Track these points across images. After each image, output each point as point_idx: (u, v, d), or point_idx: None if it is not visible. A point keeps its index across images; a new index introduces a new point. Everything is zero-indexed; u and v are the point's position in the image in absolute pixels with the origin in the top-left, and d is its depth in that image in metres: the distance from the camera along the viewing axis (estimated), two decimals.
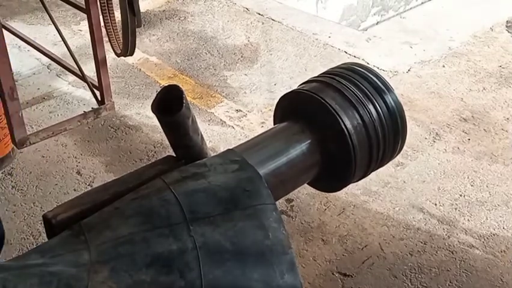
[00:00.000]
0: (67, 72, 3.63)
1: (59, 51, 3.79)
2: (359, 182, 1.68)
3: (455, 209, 2.78)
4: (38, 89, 3.71)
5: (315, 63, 4.00)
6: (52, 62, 3.75)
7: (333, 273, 2.46)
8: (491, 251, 2.56)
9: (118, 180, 1.31)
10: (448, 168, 3.04)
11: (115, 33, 3.25)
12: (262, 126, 3.33)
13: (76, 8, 3.31)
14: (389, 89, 1.59)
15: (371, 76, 1.60)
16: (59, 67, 3.70)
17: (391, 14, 6.85)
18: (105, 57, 3.31)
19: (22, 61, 3.97)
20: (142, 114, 3.45)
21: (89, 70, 3.54)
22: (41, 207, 2.78)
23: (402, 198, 2.84)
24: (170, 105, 1.26)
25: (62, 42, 3.28)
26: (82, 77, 3.39)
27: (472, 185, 2.93)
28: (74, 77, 3.60)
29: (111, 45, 3.33)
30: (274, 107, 1.68)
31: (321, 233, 2.64)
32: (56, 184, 2.93)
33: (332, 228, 2.67)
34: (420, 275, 2.44)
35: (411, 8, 6.97)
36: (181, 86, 1.29)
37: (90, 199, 1.25)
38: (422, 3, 7.03)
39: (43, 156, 3.12)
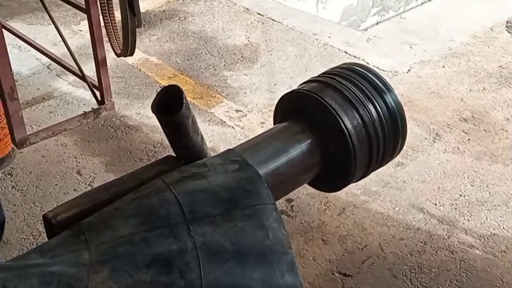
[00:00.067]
0: (67, 72, 3.63)
1: (59, 51, 3.79)
2: (359, 182, 1.68)
3: (455, 209, 2.78)
4: (38, 89, 3.71)
5: (315, 63, 4.00)
6: (52, 62, 3.75)
7: (333, 273, 2.46)
8: (491, 251, 2.56)
9: (118, 180, 1.31)
10: (447, 168, 3.04)
11: (115, 33, 3.25)
12: (262, 126, 3.33)
13: (76, 8, 3.31)
14: (389, 89, 1.59)
15: (371, 76, 1.59)
16: (59, 67, 3.70)
17: (391, 14, 6.85)
18: (105, 57, 3.31)
19: (22, 61, 3.97)
20: (142, 114, 3.46)
21: (89, 70, 3.54)
22: (41, 207, 2.78)
23: (402, 198, 2.84)
24: (170, 105, 1.26)
25: (62, 42, 3.28)
26: (82, 77, 3.39)
27: (472, 185, 2.93)
28: (74, 77, 3.60)
29: (111, 45, 3.33)
30: (274, 107, 1.68)
31: (321, 233, 2.64)
32: (56, 184, 2.93)
33: (332, 228, 2.67)
34: (420, 275, 2.44)
35: (411, 8, 6.97)
36: (181, 86, 1.29)
37: (90, 199, 1.25)
38: (422, 3, 7.03)
39: (43, 156, 3.12)
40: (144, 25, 4.39)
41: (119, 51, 3.30)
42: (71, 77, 3.71)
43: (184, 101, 1.25)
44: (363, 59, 4.02)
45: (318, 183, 1.63)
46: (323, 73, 1.66)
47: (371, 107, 1.53)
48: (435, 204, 2.80)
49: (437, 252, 2.55)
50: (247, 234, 1.14)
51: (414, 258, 2.51)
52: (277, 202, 1.25)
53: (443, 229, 2.66)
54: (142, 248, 1.10)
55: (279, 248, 1.14)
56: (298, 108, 1.58)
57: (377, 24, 6.72)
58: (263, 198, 1.21)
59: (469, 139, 3.26)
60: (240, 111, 3.51)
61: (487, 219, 2.73)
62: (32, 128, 3.32)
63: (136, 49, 3.25)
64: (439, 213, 2.75)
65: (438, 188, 2.91)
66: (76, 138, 3.26)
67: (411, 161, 3.08)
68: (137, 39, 3.16)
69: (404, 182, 2.95)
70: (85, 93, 3.58)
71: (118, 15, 3.15)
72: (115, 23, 3.22)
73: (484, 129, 3.35)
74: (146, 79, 3.83)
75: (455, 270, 2.46)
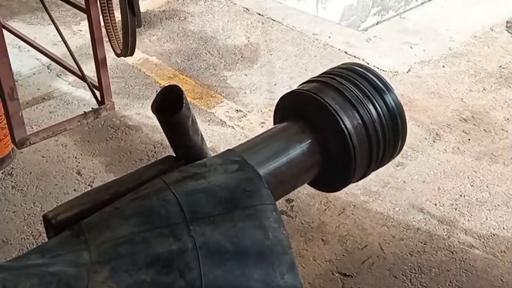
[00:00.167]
0: (67, 72, 3.63)
1: (59, 51, 3.79)
2: (359, 182, 1.68)
3: (455, 209, 2.78)
4: (38, 89, 3.71)
5: (315, 64, 4.00)
6: (52, 62, 3.75)
7: (333, 273, 2.46)
8: (491, 251, 2.56)
9: (118, 180, 1.31)
10: (447, 168, 3.04)
11: (115, 33, 3.25)
12: (262, 126, 3.33)
13: (76, 8, 3.31)
14: (389, 89, 1.59)
15: (371, 76, 1.59)
16: (59, 67, 3.70)
17: (391, 14, 6.85)
18: (105, 57, 3.31)
19: (22, 61, 3.97)
20: (142, 114, 3.46)
21: (89, 70, 3.54)
22: (41, 207, 2.78)
23: (402, 198, 2.84)
24: (170, 105, 1.26)
25: (62, 42, 3.28)
26: (82, 77, 3.39)
27: (472, 185, 2.93)
28: (74, 77, 3.60)
29: (111, 45, 3.33)
30: (274, 107, 1.68)
31: (321, 233, 2.64)
32: (56, 184, 2.93)
33: (332, 228, 2.67)
34: (420, 275, 2.44)
35: (411, 8, 6.97)
36: (181, 86, 1.29)
37: (90, 199, 1.25)
38: (422, 3, 7.03)
39: (43, 156, 3.12)
40: (144, 25, 4.39)
41: (119, 51, 3.30)
42: (71, 77, 3.71)
43: (184, 101, 1.25)
44: (363, 59, 4.02)
45: (318, 183, 1.63)
46: (323, 73, 1.66)
47: (371, 107, 1.53)
48: (436, 205, 2.80)
49: (437, 252, 2.55)
50: (247, 234, 1.14)
51: (414, 258, 2.51)
52: (277, 202, 1.25)
53: (443, 229, 2.66)
54: (142, 248, 1.10)
55: (279, 248, 1.14)
56: (298, 109, 1.57)
57: (377, 24, 6.72)
58: (263, 199, 1.20)
59: (469, 139, 3.26)
60: (240, 111, 3.51)
61: (487, 219, 2.73)
62: (32, 128, 3.32)
63: (136, 49, 3.25)
64: (439, 213, 2.75)
65: (438, 188, 2.91)
66: (76, 139, 3.26)
67: (411, 161, 3.08)
68: (137, 39, 3.16)
69: (404, 182, 2.95)
70: (85, 93, 3.58)
71: (118, 15, 3.15)
72: (115, 23, 3.22)
73: (484, 129, 3.35)
74: (146, 79, 3.83)
75: (455, 270, 2.46)
